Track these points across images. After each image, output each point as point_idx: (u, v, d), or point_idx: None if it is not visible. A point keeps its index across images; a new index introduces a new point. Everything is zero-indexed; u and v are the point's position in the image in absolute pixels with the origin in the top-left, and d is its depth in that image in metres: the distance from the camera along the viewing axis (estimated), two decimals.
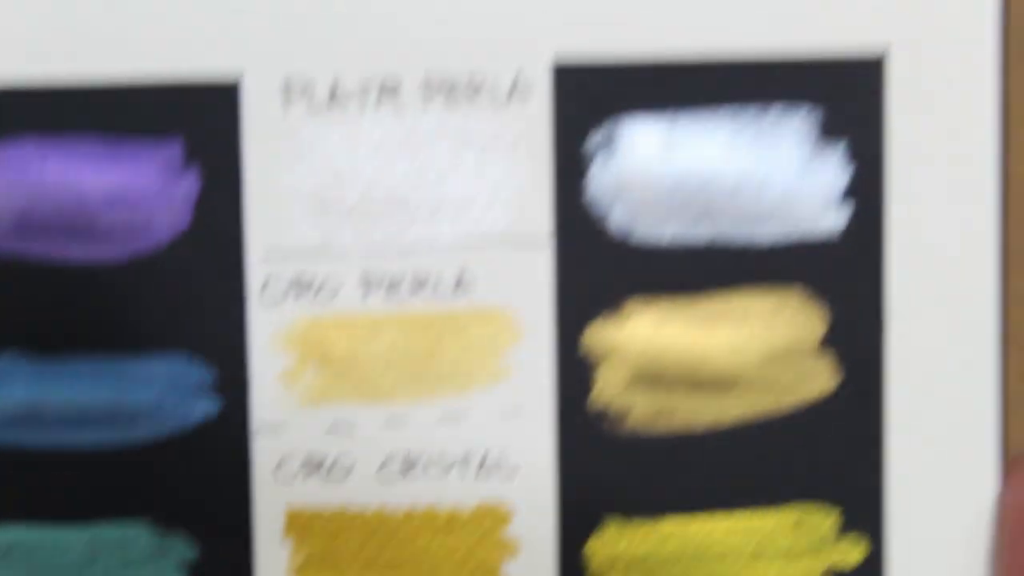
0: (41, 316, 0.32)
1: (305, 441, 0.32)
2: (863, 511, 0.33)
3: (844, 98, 0.32)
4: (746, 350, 0.33)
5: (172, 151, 0.32)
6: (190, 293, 0.32)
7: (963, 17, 0.32)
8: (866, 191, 0.33)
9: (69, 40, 0.32)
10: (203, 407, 0.33)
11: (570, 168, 0.32)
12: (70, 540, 0.32)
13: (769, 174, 0.32)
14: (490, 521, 0.33)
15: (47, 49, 0.32)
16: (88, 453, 0.32)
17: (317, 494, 0.33)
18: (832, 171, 0.33)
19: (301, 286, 0.32)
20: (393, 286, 0.33)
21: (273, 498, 0.33)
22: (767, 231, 0.33)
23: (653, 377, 0.33)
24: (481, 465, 0.33)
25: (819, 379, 0.33)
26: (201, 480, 0.32)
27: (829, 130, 0.33)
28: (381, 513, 0.33)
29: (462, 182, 0.32)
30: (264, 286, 0.32)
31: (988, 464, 0.33)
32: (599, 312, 0.33)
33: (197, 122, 0.32)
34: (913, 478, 0.33)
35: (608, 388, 0.33)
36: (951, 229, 0.33)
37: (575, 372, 0.33)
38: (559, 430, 0.33)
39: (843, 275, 0.33)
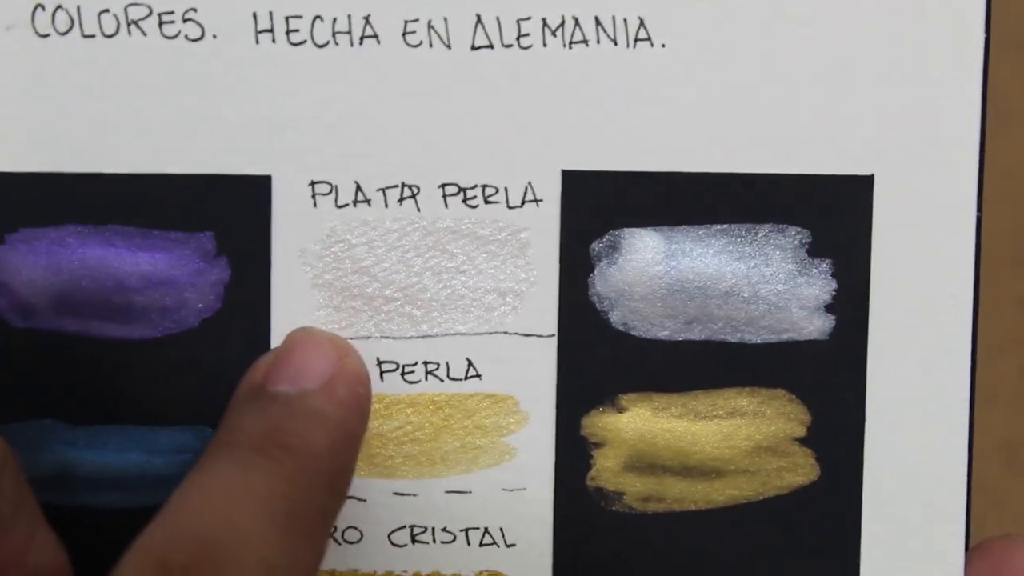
0: (77, 387, 0.34)
1: None
2: None
3: (833, 216, 0.35)
4: (734, 442, 0.35)
5: (205, 240, 0.34)
6: (218, 371, 0.34)
7: (947, 144, 0.34)
8: (851, 301, 0.35)
9: (108, 138, 0.34)
10: None
11: (575, 269, 0.35)
12: None
13: (759, 284, 0.35)
14: None
15: (90, 145, 0.34)
16: (116, 512, 0.35)
17: (330, 557, 0.35)
18: (819, 283, 0.35)
19: None
20: (407, 371, 0.35)
21: None
22: (756, 335, 0.35)
23: (646, 463, 0.35)
24: (483, 537, 0.35)
25: (801, 471, 0.35)
26: None
27: (817, 245, 0.35)
28: (390, 574, 0.35)
29: (474, 278, 0.35)
30: None
31: (956, 553, 0.35)
32: (598, 401, 0.35)
33: (229, 214, 0.34)
34: (885, 566, 0.35)
35: (604, 471, 0.35)
36: (929, 337, 0.35)
37: (574, 455, 0.35)
38: (556, 507, 0.35)
39: (826, 377, 0.35)
